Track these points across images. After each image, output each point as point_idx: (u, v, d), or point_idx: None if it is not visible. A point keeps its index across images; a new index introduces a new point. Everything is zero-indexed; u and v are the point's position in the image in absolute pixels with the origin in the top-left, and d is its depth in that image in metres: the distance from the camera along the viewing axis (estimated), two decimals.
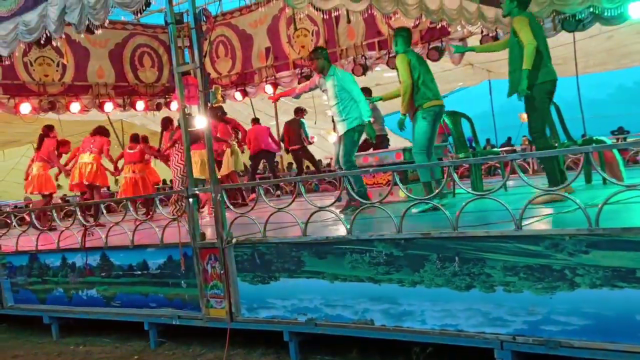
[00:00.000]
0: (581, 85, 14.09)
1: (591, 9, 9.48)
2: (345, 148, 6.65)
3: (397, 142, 19.33)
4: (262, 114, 17.42)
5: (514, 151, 13.83)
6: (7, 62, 7.33)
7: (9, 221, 7.98)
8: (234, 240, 5.23)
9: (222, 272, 5.29)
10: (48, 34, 6.08)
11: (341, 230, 4.81)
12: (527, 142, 14.79)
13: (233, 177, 10.73)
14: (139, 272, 6.02)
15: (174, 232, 5.57)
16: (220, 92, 5.48)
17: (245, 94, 13.97)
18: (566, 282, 3.67)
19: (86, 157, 10.07)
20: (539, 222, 4.53)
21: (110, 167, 10.64)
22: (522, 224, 3.91)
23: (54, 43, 6.55)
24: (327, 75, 6.72)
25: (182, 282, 5.68)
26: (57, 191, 10.63)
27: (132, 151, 10.35)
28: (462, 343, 4.11)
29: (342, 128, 6.68)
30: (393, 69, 7.40)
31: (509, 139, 18.46)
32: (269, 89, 13.52)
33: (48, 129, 10.48)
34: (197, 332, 5.91)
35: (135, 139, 10.55)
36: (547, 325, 3.75)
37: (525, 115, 5.84)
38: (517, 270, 3.84)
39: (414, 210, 5.36)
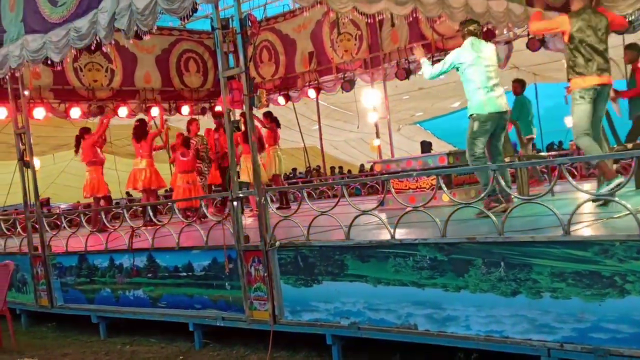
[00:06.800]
0: None
1: None
2: (466, 137, 5.93)
3: (440, 146, 19.23)
4: (305, 118, 17.53)
5: (563, 155, 13.53)
6: (58, 68, 7.56)
7: (59, 223, 8.18)
8: (277, 243, 5.27)
9: (265, 274, 5.33)
10: (98, 40, 6.22)
11: (384, 234, 4.80)
12: (574, 147, 14.45)
13: (277, 180, 10.81)
14: (184, 274, 6.11)
15: (219, 234, 5.65)
16: (265, 95, 5.52)
17: (288, 98, 14.04)
18: (616, 288, 3.58)
19: (139, 163, 10.15)
20: (587, 227, 4.44)
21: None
22: (570, 229, 3.84)
23: (103, 49, 6.70)
24: None
25: (226, 284, 5.75)
26: (108, 193, 10.48)
27: (185, 158, 10.08)
28: (508, 349, 4.05)
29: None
30: None
31: (551, 143, 18.13)
32: (312, 93, 13.57)
33: (85, 131, 10.47)
34: (240, 334, 5.96)
35: (186, 143, 10.22)
36: (596, 333, 3.67)
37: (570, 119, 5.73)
38: (564, 277, 3.77)
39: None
